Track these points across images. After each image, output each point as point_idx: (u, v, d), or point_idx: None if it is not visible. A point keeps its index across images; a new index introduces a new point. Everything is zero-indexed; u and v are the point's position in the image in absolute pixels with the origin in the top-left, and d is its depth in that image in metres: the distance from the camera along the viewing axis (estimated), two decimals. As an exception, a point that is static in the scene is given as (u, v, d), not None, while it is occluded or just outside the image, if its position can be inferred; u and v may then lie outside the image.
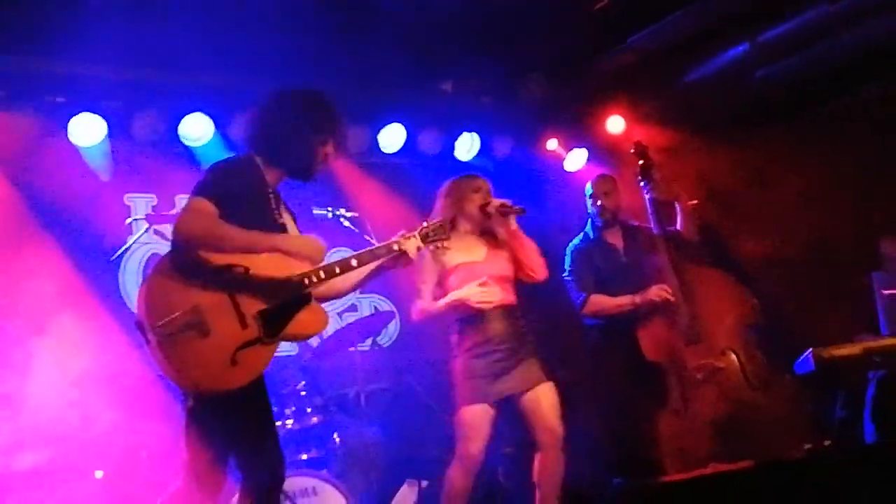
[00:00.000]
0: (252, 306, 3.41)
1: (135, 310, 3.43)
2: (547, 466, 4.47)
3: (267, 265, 3.46)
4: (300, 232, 3.84)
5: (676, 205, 5.20)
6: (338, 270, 3.62)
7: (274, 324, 3.42)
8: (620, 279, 5.10)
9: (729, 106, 6.50)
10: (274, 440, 3.62)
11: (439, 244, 3.96)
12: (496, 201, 4.62)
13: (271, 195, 3.66)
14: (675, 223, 5.21)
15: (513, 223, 4.62)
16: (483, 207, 4.62)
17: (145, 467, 5.07)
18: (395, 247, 3.79)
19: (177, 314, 3.27)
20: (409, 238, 3.84)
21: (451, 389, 4.59)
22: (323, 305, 3.66)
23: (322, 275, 3.55)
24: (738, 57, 6.12)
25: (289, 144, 3.65)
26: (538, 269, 4.68)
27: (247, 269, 3.42)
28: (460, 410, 4.48)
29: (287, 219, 3.78)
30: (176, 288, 3.34)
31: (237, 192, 3.51)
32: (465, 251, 4.62)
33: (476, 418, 4.44)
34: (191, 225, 3.43)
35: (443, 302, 4.52)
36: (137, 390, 5.22)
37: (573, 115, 7.07)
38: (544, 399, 4.49)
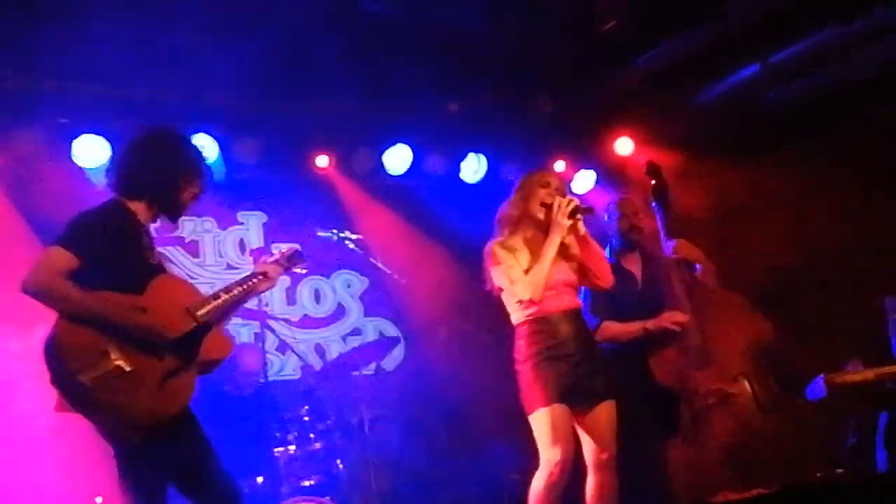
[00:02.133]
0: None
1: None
2: (602, 488, 4.22)
3: (160, 301, 3.48)
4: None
5: (696, 266, 5.08)
6: (220, 301, 3.68)
7: (187, 351, 3.49)
8: (636, 307, 5.01)
9: (740, 127, 6.46)
10: (220, 465, 3.59)
11: (298, 268, 4.17)
12: (563, 201, 4.33)
13: (144, 235, 3.66)
14: (693, 269, 5.10)
15: (582, 227, 4.37)
16: (548, 206, 4.32)
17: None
18: (259, 272, 3.92)
19: (96, 362, 3.26)
20: (271, 263, 4.00)
21: (518, 397, 4.27)
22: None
23: (208, 306, 3.61)
24: (750, 78, 6.09)
25: (154, 180, 3.64)
26: (605, 276, 4.47)
27: (144, 309, 3.43)
28: (536, 413, 4.15)
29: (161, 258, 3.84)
30: (83, 334, 3.29)
31: (103, 238, 3.46)
32: (533, 256, 4.33)
33: (556, 417, 4.11)
34: (35, 278, 3.36)
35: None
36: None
37: (581, 136, 7.04)
38: (605, 417, 4.24)
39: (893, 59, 5.66)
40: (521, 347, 4.29)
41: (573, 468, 4.16)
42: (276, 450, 5.21)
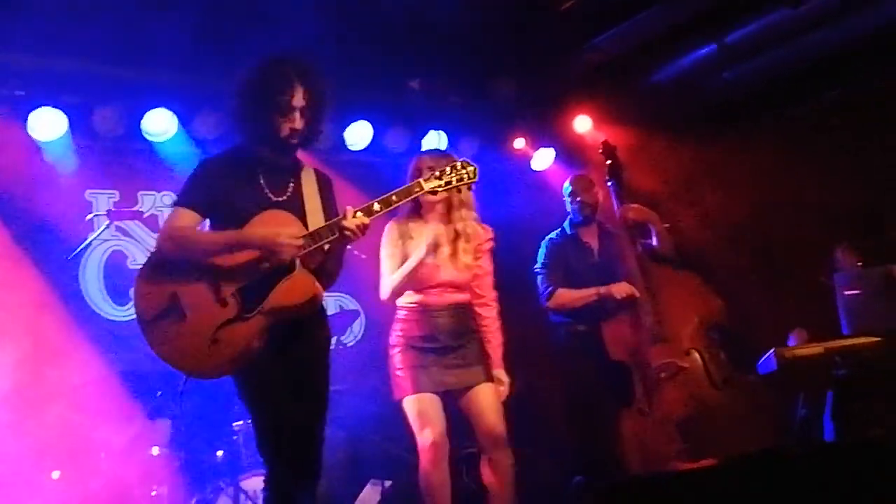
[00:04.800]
0: (233, 285, 3.38)
1: None
2: (494, 470, 4.34)
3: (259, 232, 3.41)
4: (326, 197, 3.64)
5: (650, 227, 5.19)
6: (323, 238, 3.41)
7: (251, 299, 3.36)
8: (591, 278, 5.13)
9: (695, 107, 6.53)
10: (298, 430, 3.48)
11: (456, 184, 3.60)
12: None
13: (260, 174, 3.52)
14: (648, 237, 5.22)
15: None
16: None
17: (104, 468, 5.01)
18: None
19: (161, 304, 3.35)
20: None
21: (388, 382, 4.48)
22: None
23: (304, 242, 3.38)
24: (705, 58, 6.15)
25: (244, 126, 3.55)
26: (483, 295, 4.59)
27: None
28: (405, 400, 4.35)
29: (306, 190, 3.57)
30: (161, 279, 3.39)
31: (215, 186, 3.47)
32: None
33: (423, 405, 4.30)
34: (163, 237, 3.50)
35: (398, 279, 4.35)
36: (97, 390, 5.17)
37: (540, 114, 7.07)
38: (483, 399, 4.35)
39: (847, 40, 5.75)
40: (396, 333, 4.46)
41: (447, 451, 4.30)
42: (235, 424, 5.22)
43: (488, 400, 4.35)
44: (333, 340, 6.11)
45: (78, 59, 5.59)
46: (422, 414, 4.29)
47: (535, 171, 7.16)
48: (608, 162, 5.25)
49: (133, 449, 5.08)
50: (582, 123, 6.84)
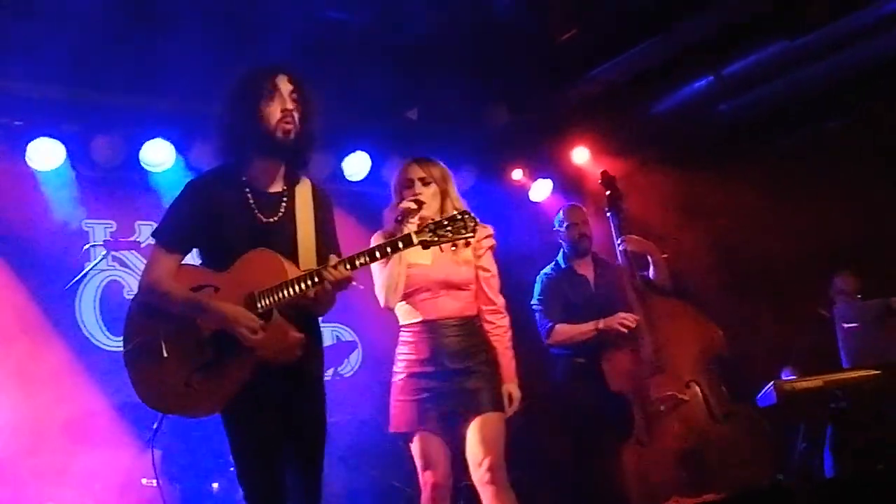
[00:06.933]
0: (213, 324, 3.20)
1: None
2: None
3: (241, 282, 3.19)
4: (321, 217, 3.45)
5: (648, 257, 5.18)
6: (294, 290, 3.16)
7: (227, 347, 3.16)
8: (589, 310, 5.10)
9: (692, 138, 6.55)
10: (278, 475, 3.27)
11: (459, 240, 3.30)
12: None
13: (249, 194, 3.31)
14: (646, 268, 5.21)
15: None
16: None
17: (99, 499, 4.97)
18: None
19: (136, 338, 3.27)
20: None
21: (385, 412, 4.22)
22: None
23: (282, 295, 3.16)
24: (702, 90, 6.18)
25: (232, 129, 3.30)
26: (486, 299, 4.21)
27: (216, 289, 3.22)
28: (410, 436, 4.10)
29: (300, 210, 3.37)
30: (148, 314, 3.29)
31: (200, 216, 3.27)
32: (414, 250, 3.73)
33: (425, 445, 4.04)
34: (142, 287, 3.34)
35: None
36: (91, 420, 5.14)
37: (538, 145, 7.09)
38: (482, 430, 3.98)
39: (842, 71, 5.78)
40: (399, 358, 4.16)
41: (449, 490, 4.11)
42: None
43: (486, 433, 3.99)
44: (330, 372, 6.19)
45: (76, 90, 5.60)
46: (424, 454, 4.06)
47: (534, 201, 7.17)
48: (607, 192, 5.26)
49: (128, 480, 5.04)
50: (580, 154, 6.85)
